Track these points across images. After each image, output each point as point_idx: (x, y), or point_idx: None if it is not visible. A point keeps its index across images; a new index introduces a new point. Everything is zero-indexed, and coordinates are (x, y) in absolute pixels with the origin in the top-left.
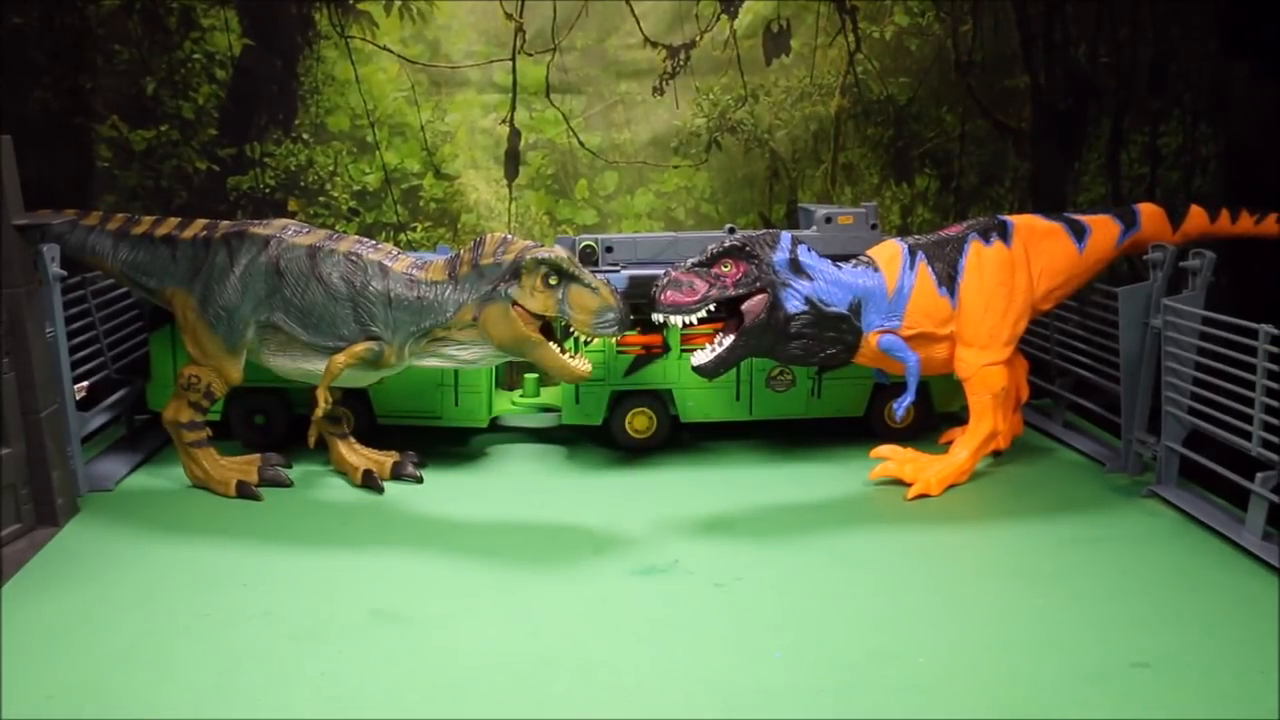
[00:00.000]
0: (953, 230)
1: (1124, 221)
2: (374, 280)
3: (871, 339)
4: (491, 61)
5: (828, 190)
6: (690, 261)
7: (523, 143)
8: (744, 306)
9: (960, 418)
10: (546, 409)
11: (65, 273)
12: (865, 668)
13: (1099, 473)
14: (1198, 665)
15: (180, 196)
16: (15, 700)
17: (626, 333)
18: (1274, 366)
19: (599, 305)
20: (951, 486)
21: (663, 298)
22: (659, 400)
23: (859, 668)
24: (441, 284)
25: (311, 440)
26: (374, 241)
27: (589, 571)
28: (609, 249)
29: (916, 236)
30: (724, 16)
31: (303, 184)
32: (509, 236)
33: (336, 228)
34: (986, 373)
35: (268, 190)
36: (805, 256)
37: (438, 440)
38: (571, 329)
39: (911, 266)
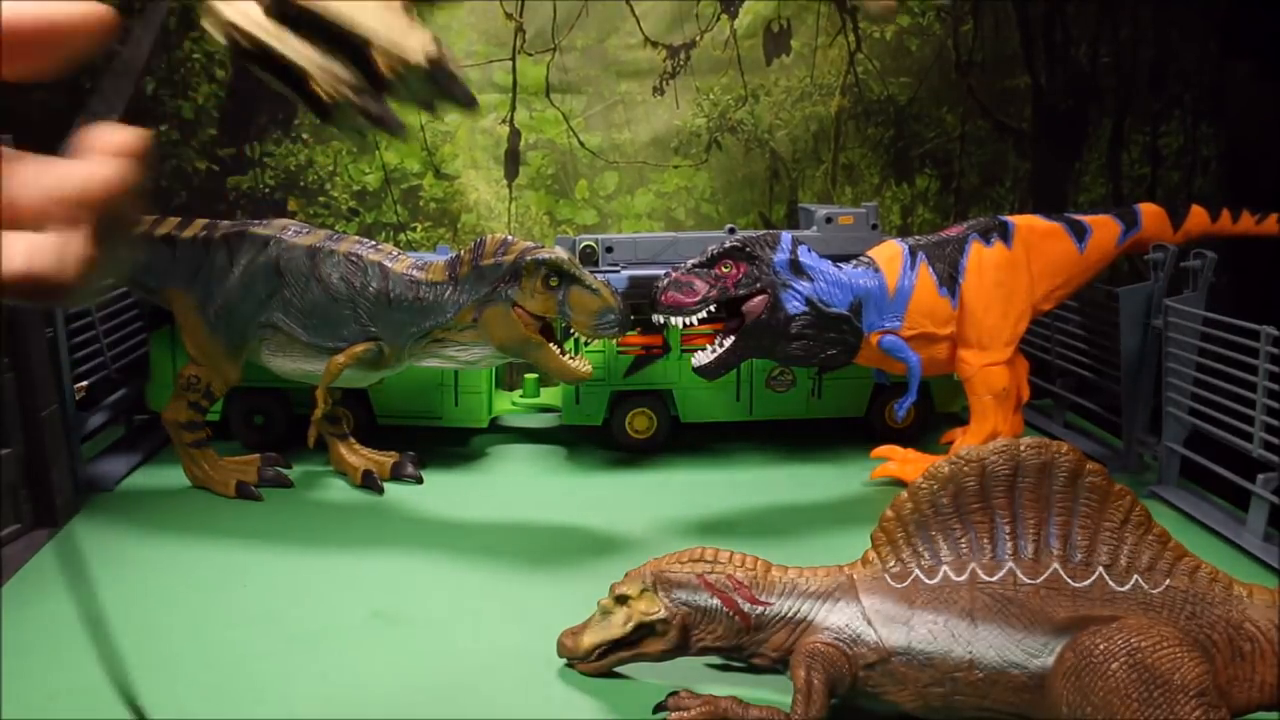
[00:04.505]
0: (953, 231)
1: (1125, 221)
2: (374, 281)
3: (872, 339)
4: (491, 61)
5: (828, 190)
6: (691, 262)
7: (523, 143)
8: (744, 307)
9: (961, 418)
10: (546, 409)
11: None
12: None
13: None
14: None
15: (180, 196)
16: (16, 700)
17: (627, 333)
18: (1275, 368)
19: (599, 306)
20: None
21: (663, 298)
22: (659, 400)
23: None
24: (442, 285)
25: (311, 441)
26: (374, 242)
27: (589, 571)
28: (609, 249)
29: (917, 237)
30: (724, 16)
31: (302, 184)
32: (509, 237)
33: (336, 228)
34: (987, 373)
35: (267, 190)
36: (805, 257)
37: (438, 440)
38: (572, 330)
39: (912, 267)
